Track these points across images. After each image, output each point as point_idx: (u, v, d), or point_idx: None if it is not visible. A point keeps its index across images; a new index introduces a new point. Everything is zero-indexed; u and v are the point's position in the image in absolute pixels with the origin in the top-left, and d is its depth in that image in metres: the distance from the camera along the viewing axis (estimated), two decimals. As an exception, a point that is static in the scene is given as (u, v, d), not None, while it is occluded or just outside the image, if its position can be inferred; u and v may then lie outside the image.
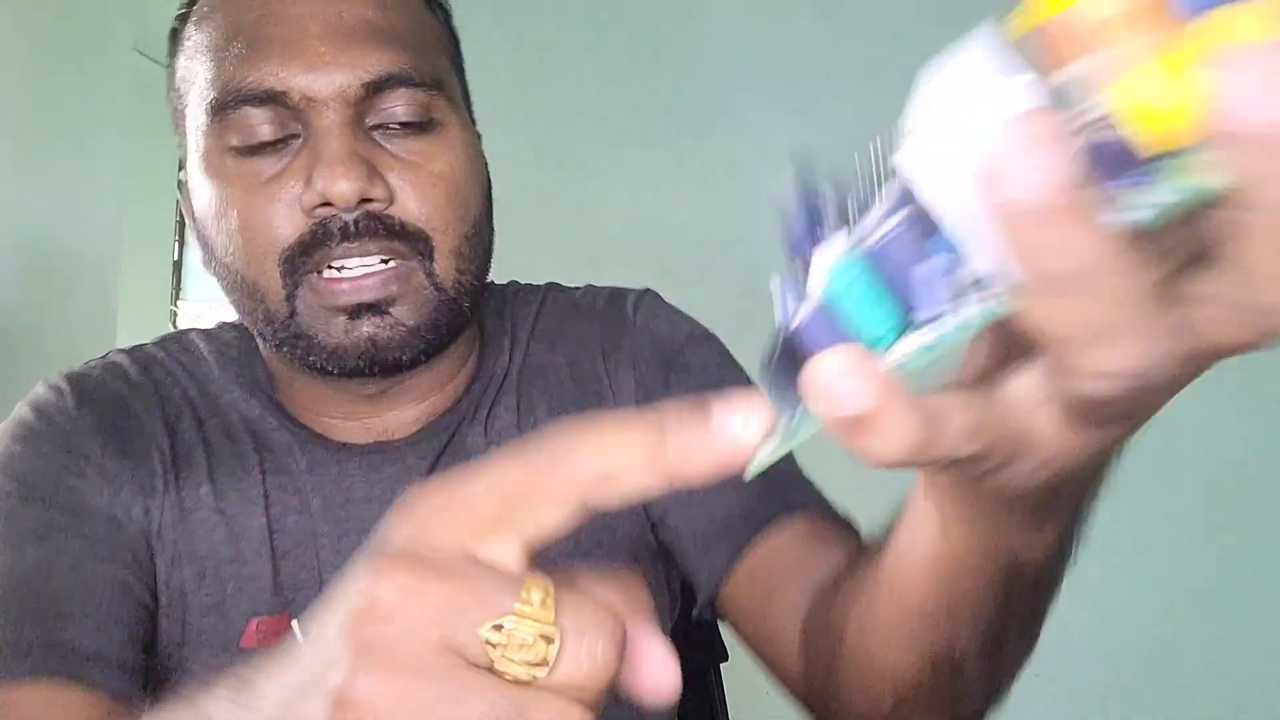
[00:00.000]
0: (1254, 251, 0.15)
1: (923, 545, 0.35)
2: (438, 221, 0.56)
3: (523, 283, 0.73)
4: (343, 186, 0.52)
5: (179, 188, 0.63)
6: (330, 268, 0.55)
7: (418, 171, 0.55)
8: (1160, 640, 1.65)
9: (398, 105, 0.55)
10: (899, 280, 0.18)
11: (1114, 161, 0.15)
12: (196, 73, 0.57)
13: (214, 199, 0.56)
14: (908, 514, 0.35)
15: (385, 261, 0.55)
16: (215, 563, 0.58)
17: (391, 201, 0.55)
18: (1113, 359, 0.18)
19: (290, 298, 0.55)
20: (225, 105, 0.54)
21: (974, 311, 0.18)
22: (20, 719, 0.49)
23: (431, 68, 0.57)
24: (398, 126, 0.56)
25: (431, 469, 0.61)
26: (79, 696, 0.50)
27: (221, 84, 0.55)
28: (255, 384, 0.64)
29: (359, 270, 0.54)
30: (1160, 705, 1.65)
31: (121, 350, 0.65)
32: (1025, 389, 0.22)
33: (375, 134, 0.56)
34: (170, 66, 0.61)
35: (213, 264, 0.59)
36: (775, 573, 0.56)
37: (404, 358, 0.56)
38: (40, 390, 0.61)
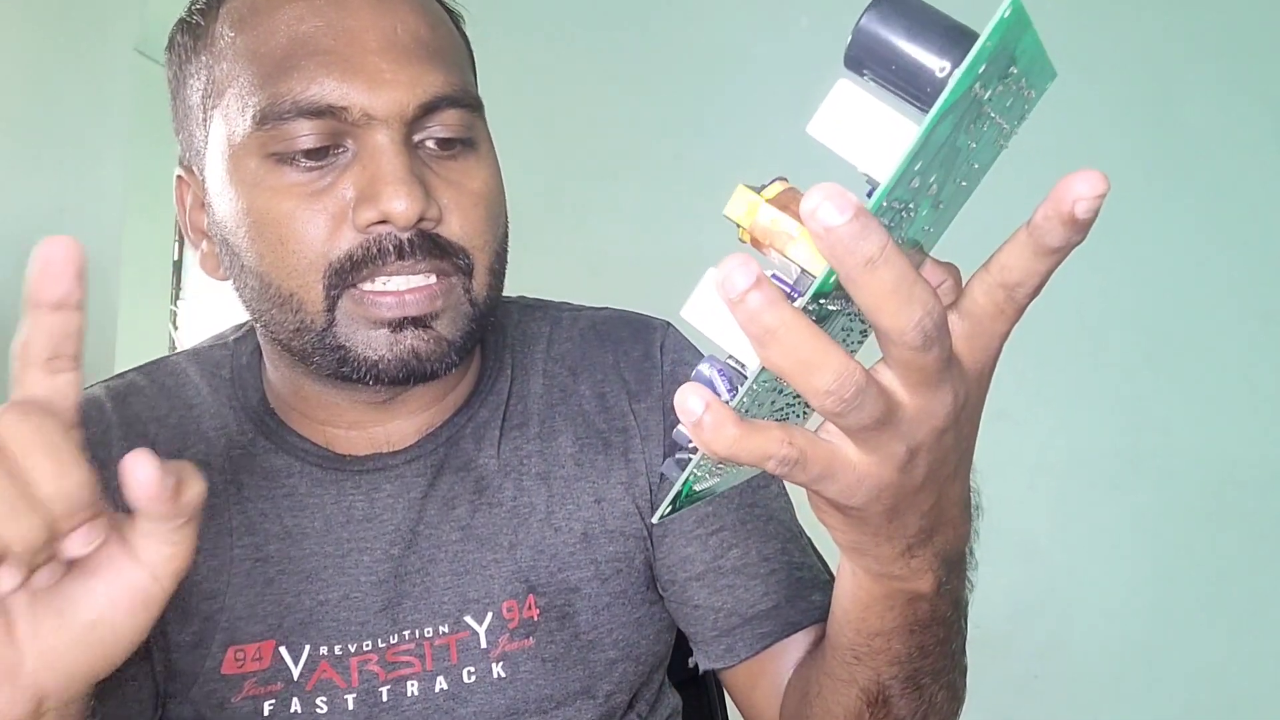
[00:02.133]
0: (855, 294, 0.27)
1: (844, 593, 0.44)
2: (478, 240, 0.57)
3: (530, 298, 0.73)
4: (404, 206, 0.52)
5: (176, 183, 0.62)
6: (373, 281, 0.55)
7: (460, 190, 0.56)
8: (1160, 640, 1.66)
9: (445, 125, 0.56)
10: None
11: (791, 284, 0.30)
12: (236, 77, 0.55)
13: (248, 207, 0.55)
14: (838, 574, 0.44)
15: (428, 277, 0.55)
16: (195, 599, 0.59)
17: (439, 220, 0.55)
18: (818, 382, 0.28)
19: (330, 309, 0.55)
20: (280, 115, 0.53)
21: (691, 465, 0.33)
22: None
23: (472, 87, 0.58)
24: (437, 145, 0.56)
25: (431, 484, 0.62)
26: None
27: (273, 93, 0.53)
28: (247, 405, 0.63)
29: (405, 285, 0.55)
30: (1160, 705, 1.65)
31: (103, 382, 0.65)
32: (829, 431, 0.32)
33: (419, 151, 0.56)
34: (186, 61, 0.59)
35: (235, 270, 0.58)
36: (780, 670, 0.62)
37: (440, 369, 0.56)
38: None
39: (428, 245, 0.54)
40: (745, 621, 0.62)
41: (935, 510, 0.35)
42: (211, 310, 4.13)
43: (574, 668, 0.61)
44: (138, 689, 0.59)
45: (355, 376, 0.56)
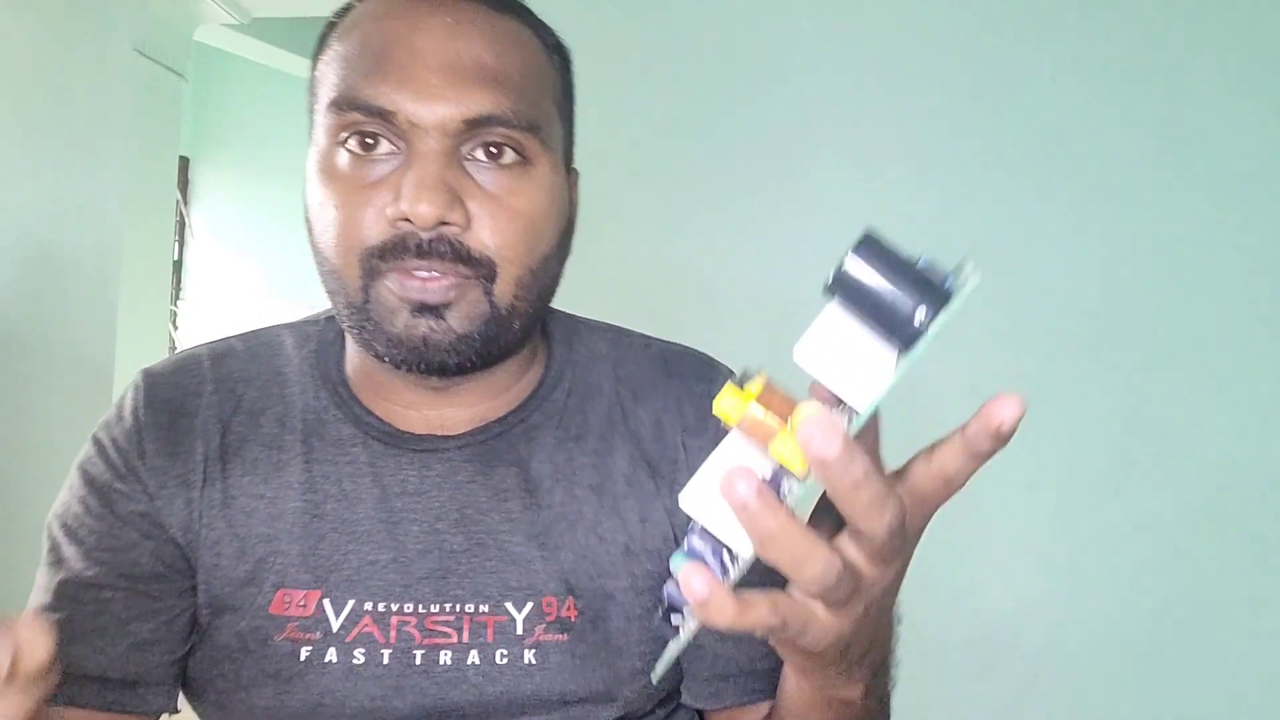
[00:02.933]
0: (840, 504, 0.34)
1: (786, 694, 0.56)
2: (507, 252, 0.61)
3: (598, 321, 0.77)
4: (423, 209, 0.57)
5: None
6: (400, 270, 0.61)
7: (497, 204, 0.61)
8: (1160, 640, 1.66)
9: (492, 141, 0.61)
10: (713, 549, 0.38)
11: (771, 475, 0.36)
12: (328, 77, 0.63)
13: (319, 191, 0.62)
14: (783, 677, 0.55)
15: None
16: (252, 541, 0.65)
17: (467, 228, 0.60)
18: (808, 573, 0.35)
19: (366, 288, 0.61)
20: (341, 106, 0.60)
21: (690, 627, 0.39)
22: None
23: (531, 111, 0.62)
24: (487, 160, 0.61)
25: (481, 473, 0.67)
26: (70, 713, 0.61)
27: (343, 89, 0.61)
28: (327, 376, 0.70)
29: (424, 274, 0.60)
30: (1159, 705, 1.65)
31: (207, 344, 0.73)
32: (799, 591, 0.38)
33: (469, 164, 0.61)
34: (310, 70, 0.67)
35: (311, 246, 0.65)
36: None
37: (451, 361, 0.61)
38: (127, 389, 0.70)
39: (447, 250, 0.59)
40: (741, 673, 0.67)
41: (872, 638, 0.44)
42: (211, 310, 4.15)
43: (600, 669, 0.64)
44: (175, 619, 0.65)
45: (381, 354, 0.62)
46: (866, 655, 0.45)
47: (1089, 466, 1.69)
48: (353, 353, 0.70)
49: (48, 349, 2.25)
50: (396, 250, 0.59)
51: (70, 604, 0.63)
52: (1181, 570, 1.65)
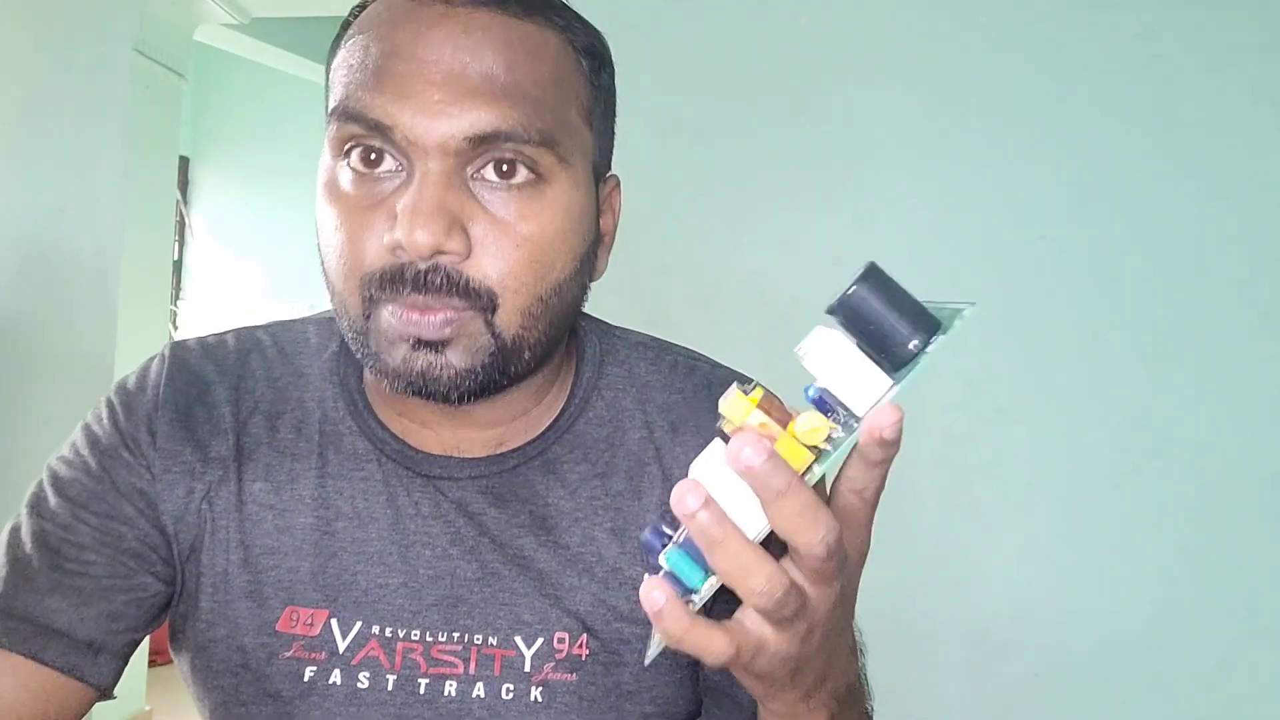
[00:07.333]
0: (771, 519, 0.37)
1: None
2: (510, 282, 0.56)
3: (641, 334, 0.73)
4: (418, 237, 0.53)
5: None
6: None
7: (504, 230, 0.56)
8: (1160, 640, 1.66)
9: (500, 160, 0.56)
10: (697, 557, 0.39)
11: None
12: (334, 83, 0.59)
13: (324, 208, 0.59)
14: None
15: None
16: (259, 551, 0.63)
17: (467, 257, 0.55)
18: (749, 584, 0.38)
19: (367, 315, 0.57)
20: (342, 117, 0.56)
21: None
22: None
23: (548, 125, 0.57)
24: (498, 179, 0.56)
25: (495, 504, 0.64)
26: (26, 667, 0.59)
27: (344, 98, 0.57)
28: (345, 384, 0.67)
29: (423, 309, 0.56)
30: (1160, 704, 1.65)
31: (235, 331, 0.70)
32: (751, 615, 0.41)
33: (477, 184, 0.56)
34: (326, 73, 0.63)
35: (320, 266, 0.62)
36: None
37: (454, 395, 0.57)
38: (153, 358, 0.68)
39: (444, 284, 0.55)
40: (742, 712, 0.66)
41: (826, 663, 0.45)
42: (212, 310, 4.15)
43: (608, 713, 0.62)
44: (145, 599, 0.63)
45: (384, 382, 0.58)
46: (824, 682, 0.47)
47: (1089, 465, 1.69)
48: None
49: (48, 349, 2.25)
50: (394, 281, 0.55)
51: (51, 555, 0.60)
52: (1182, 569, 1.65)
